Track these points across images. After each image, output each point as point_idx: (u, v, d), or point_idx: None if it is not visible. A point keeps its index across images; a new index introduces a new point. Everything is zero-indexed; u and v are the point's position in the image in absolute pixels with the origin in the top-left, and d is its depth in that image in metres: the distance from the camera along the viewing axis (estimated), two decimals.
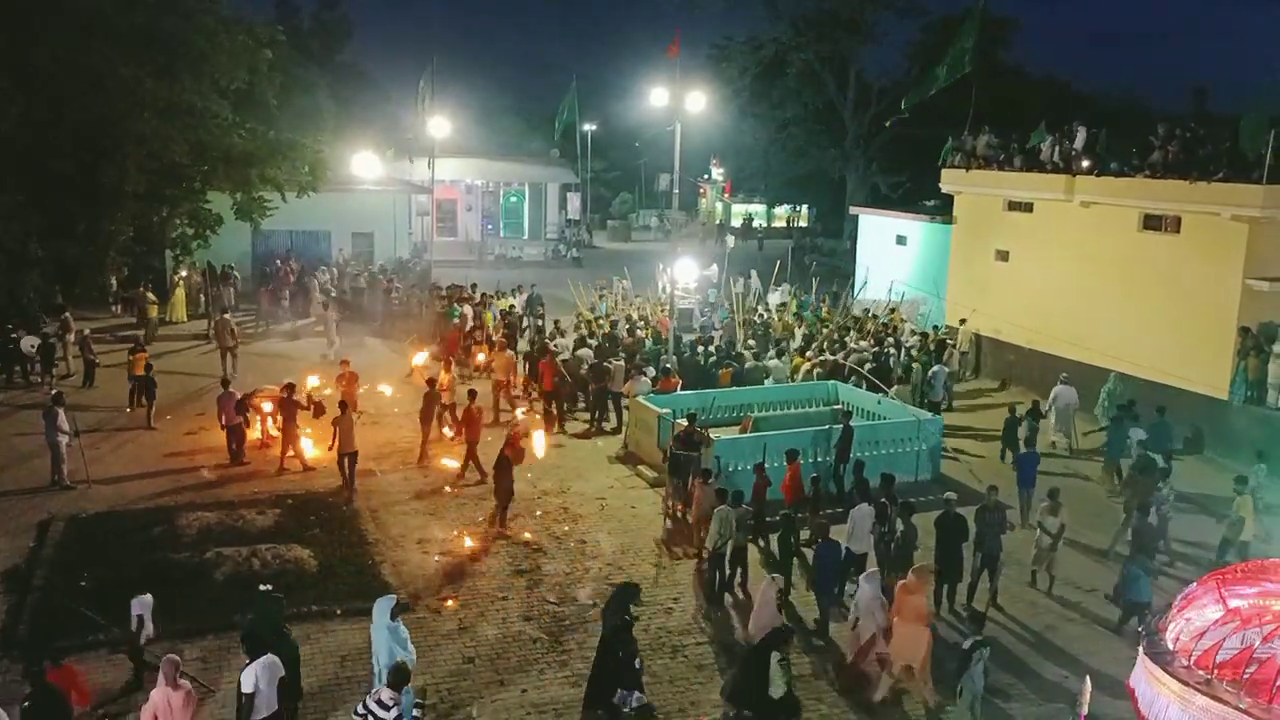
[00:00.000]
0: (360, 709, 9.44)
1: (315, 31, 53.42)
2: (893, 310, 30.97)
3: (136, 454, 19.98)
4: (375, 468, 19.44)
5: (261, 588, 13.90)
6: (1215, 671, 7.71)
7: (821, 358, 24.72)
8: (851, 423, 19.09)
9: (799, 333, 27.99)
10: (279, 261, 34.93)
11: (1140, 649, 8.54)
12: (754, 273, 36.79)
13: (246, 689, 9.71)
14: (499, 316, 29.01)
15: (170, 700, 9.50)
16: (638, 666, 11.74)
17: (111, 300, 32.21)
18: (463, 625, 13.62)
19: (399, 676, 9.66)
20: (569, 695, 12.08)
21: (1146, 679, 8.18)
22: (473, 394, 19.86)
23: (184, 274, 32.77)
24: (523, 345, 27.13)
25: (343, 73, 51.04)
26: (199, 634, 12.91)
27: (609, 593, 12.94)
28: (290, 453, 19.23)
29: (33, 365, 24.72)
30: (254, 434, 20.28)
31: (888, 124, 33.14)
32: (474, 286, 31.96)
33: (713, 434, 18.34)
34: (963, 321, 28.48)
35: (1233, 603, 8.21)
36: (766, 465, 16.96)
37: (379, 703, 9.35)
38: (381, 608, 11.10)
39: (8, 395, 23.70)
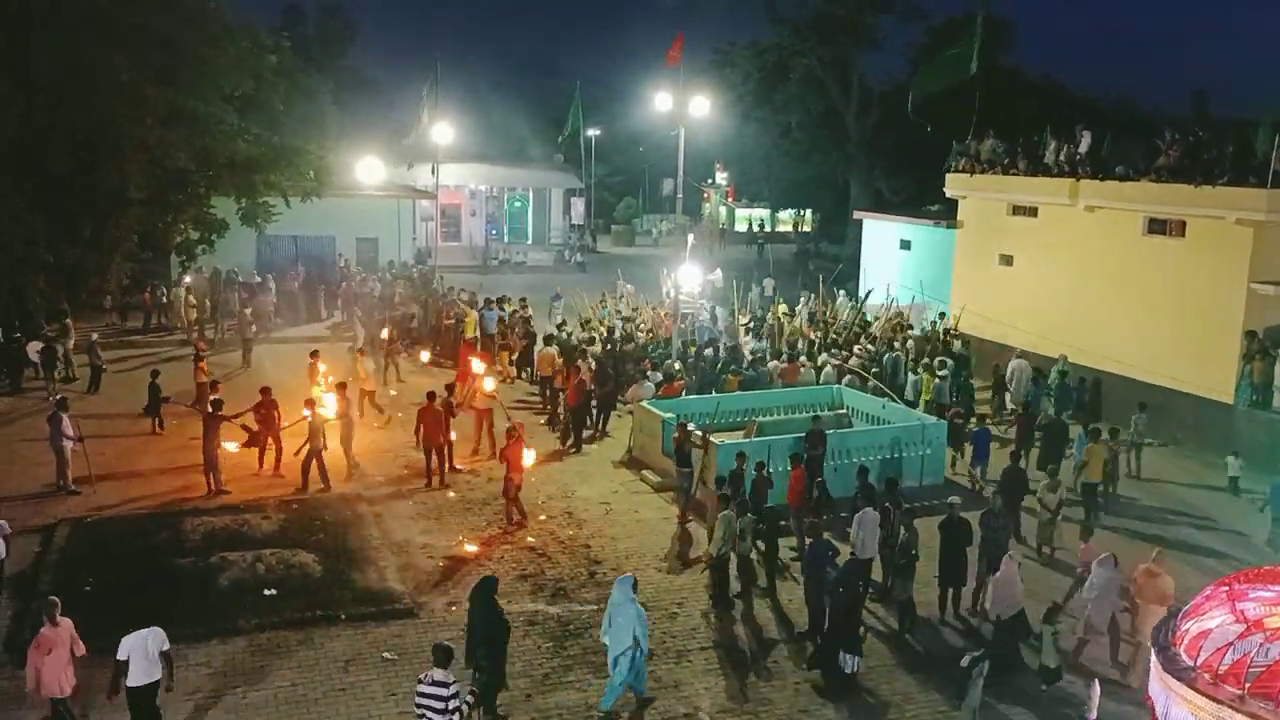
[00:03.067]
0: (420, 693, 9.73)
1: (319, 37, 53.64)
2: (890, 313, 30.88)
3: (141, 458, 20.00)
4: (376, 473, 19.49)
5: (266, 592, 14.05)
6: (1247, 688, 7.61)
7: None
8: (850, 428, 19.09)
9: (811, 337, 27.98)
10: (256, 279, 34.98)
11: (1156, 662, 8.41)
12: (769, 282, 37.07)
13: (120, 656, 10.48)
14: (498, 323, 28.65)
15: (57, 635, 10.77)
16: (861, 635, 12.59)
17: (107, 306, 32.24)
18: (466, 630, 13.58)
19: (444, 655, 9.90)
20: (573, 699, 12.06)
21: (1174, 700, 8.04)
22: (431, 395, 19.53)
23: (188, 280, 32.84)
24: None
25: (346, 78, 51.16)
26: (204, 639, 12.91)
27: (844, 570, 13.34)
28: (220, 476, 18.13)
29: (36, 371, 24.79)
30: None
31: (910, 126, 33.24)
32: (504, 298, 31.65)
33: (715, 439, 18.28)
34: (942, 315, 28.85)
35: (1251, 613, 8.08)
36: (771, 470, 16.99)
37: (436, 682, 9.68)
38: (623, 586, 11.80)
39: (13, 400, 23.75)
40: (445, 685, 9.64)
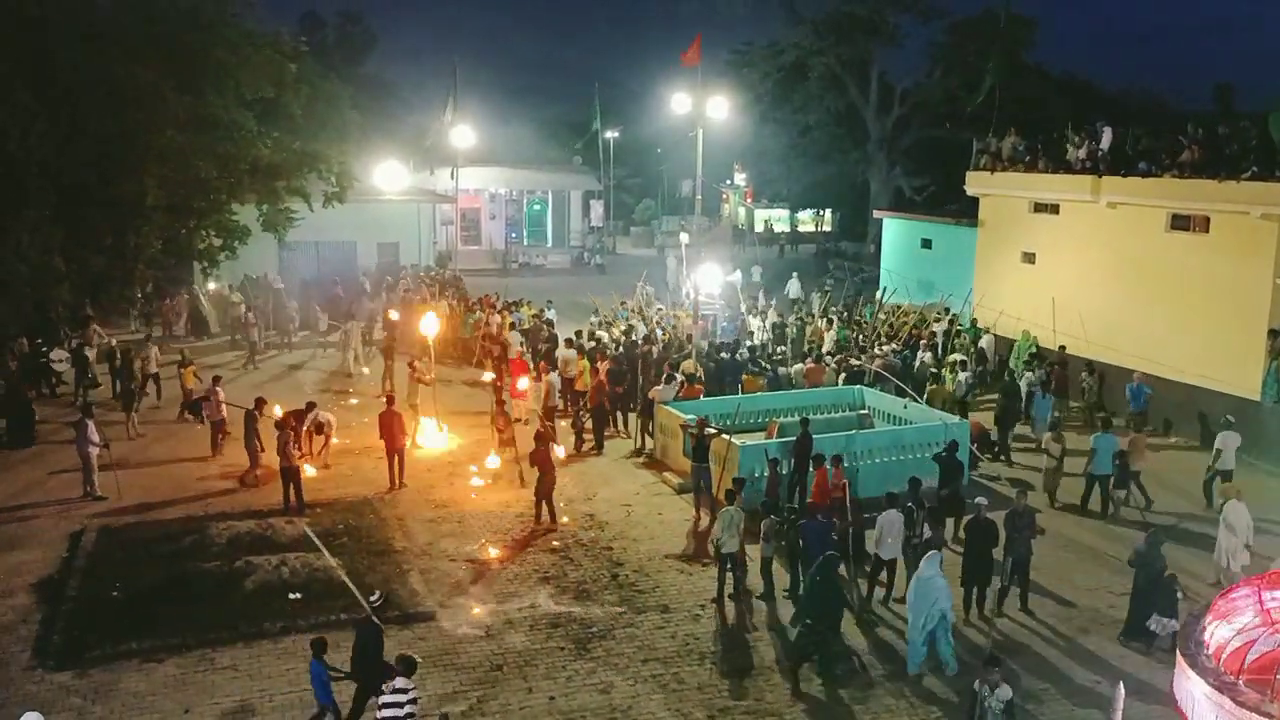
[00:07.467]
0: (382, 704, 10.04)
1: (339, 44, 53.97)
2: (920, 314, 30.79)
3: (167, 463, 20.16)
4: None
5: (291, 596, 14.13)
6: None
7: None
8: (868, 428, 19.05)
9: (829, 337, 27.90)
10: (278, 285, 35.21)
11: (1211, 688, 8.08)
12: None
13: None
14: (518, 324, 28.66)
15: None
16: (1178, 597, 13.33)
17: (135, 313, 32.47)
18: (490, 633, 13.64)
19: (408, 665, 10.24)
20: (596, 702, 12.08)
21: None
22: (390, 399, 19.91)
23: (211, 287, 33.08)
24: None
25: (366, 84, 51.40)
26: (229, 642, 13.01)
27: (1146, 544, 13.83)
28: (258, 469, 18.87)
29: (58, 379, 25.02)
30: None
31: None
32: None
33: (738, 440, 18.25)
34: (947, 310, 28.72)
35: None
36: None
37: (397, 690, 10.02)
38: (930, 562, 12.80)
39: (39, 408, 23.95)
40: (404, 691, 10.02)
